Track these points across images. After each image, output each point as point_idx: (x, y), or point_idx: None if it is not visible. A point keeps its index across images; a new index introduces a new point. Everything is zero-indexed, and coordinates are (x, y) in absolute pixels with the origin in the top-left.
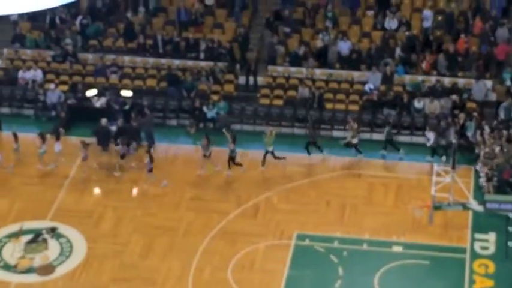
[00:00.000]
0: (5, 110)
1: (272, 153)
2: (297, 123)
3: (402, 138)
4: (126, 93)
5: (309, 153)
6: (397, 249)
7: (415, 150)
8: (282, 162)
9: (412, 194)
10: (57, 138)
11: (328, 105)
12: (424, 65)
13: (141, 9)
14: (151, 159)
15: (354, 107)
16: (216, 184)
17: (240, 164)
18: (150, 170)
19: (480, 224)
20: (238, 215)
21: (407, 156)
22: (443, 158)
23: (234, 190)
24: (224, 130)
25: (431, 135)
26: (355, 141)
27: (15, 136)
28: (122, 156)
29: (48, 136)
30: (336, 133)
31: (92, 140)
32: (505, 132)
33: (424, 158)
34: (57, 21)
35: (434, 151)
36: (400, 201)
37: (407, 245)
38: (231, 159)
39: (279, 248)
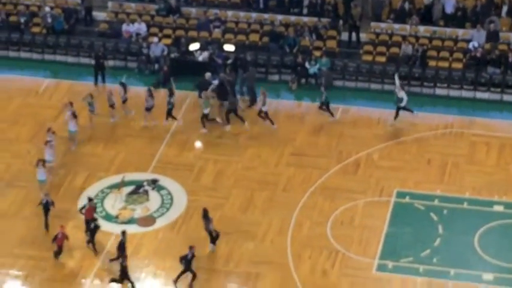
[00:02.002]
0: (109, 62)
1: (206, 116)
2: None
3: (506, 98)
4: (229, 47)
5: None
6: (498, 208)
7: None
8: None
9: None
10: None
11: (431, 63)
12: None
13: None
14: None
15: (458, 65)
16: (316, 140)
17: (174, 118)
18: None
19: None
20: (338, 171)
21: None
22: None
23: (335, 146)
24: (171, 80)
25: (404, 95)
26: (265, 108)
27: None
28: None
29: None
30: (438, 91)
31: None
32: None
33: None
34: None
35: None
36: (503, 160)
37: (508, 205)
38: (168, 111)
39: (379, 204)
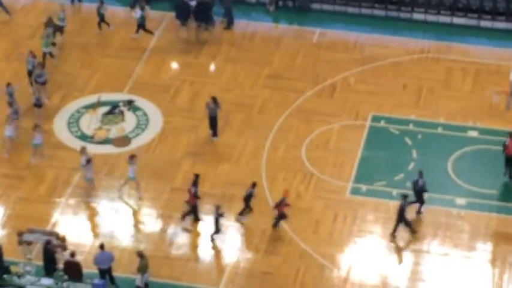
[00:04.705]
0: None
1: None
2: (377, 4)
3: (483, 23)
4: None
5: None
6: (472, 134)
7: (496, 36)
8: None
9: (490, 79)
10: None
11: None
12: None
13: None
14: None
15: None
16: (293, 63)
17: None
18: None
19: None
20: (314, 94)
21: (489, 42)
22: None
23: (312, 69)
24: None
25: (138, 12)
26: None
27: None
28: None
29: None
30: (416, 15)
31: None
32: None
33: (504, 43)
34: None
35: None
36: (478, 86)
37: (482, 130)
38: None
39: (354, 128)
